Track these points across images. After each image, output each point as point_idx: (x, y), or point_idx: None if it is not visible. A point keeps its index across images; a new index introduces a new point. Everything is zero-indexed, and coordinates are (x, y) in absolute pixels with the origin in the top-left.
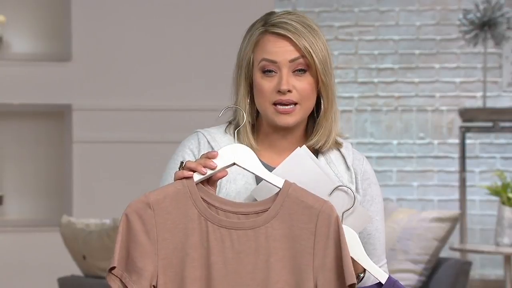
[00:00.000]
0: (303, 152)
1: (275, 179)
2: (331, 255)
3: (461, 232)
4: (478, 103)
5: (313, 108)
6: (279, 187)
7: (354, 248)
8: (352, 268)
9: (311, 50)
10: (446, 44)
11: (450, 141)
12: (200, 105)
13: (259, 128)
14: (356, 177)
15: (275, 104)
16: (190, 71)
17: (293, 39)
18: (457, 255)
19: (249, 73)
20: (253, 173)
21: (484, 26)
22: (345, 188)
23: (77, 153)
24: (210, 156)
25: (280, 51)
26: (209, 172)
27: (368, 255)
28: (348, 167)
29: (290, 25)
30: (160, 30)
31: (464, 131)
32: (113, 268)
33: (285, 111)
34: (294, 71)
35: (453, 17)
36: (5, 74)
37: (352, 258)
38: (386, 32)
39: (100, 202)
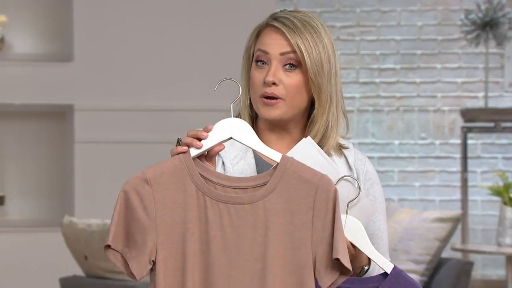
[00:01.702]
0: (308, 142)
1: (273, 154)
2: (329, 229)
3: (462, 233)
4: (480, 103)
5: (308, 112)
6: (277, 161)
7: (360, 239)
8: (342, 244)
9: (302, 48)
10: (448, 44)
11: (452, 141)
12: (202, 105)
13: (258, 126)
14: (358, 177)
15: (262, 97)
16: (192, 71)
17: (286, 34)
18: (458, 255)
19: (250, 63)
20: (250, 147)
21: (486, 26)
22: (350, 179)
23: (79, 153)
24: (205, 129)
25: (273, 43)
26: (205, 146)
27: None
28: (350, 167)
29: (290, 21)
30: (161, 30)
31: (466, 131)
32: (108, 246)
33: (269, 103)
34: (284, 65)
35: (455, 17)
36: (7, 74)
37: (357, 248)
38: (388, 32)
39: (102, 202)
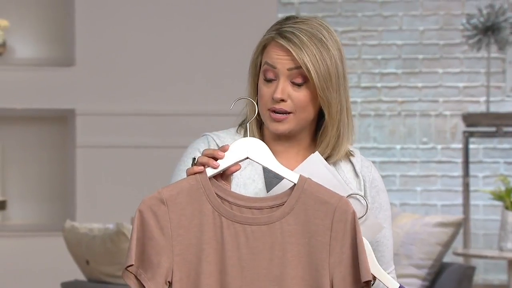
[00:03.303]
0: (316, 158)
1: (290, 174)
2: (347, 251)
3: (464, 237)
4: (482, 108)
5: (316, 120)
6: (294, 182)
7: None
8: (368, 265)
9: (309, 65)
10: (450, 49)
11: (454, 146)
12: (204, 109)
13: (265, 133)
14: (364, 185)
15: (270, 110)
16: (194, 76)
17: (292, 51)
18: (460, 260)
19: (257, 72)
20: (267, 167)
21: (488, 31)
22: (358, 196)
23: (81, 158)
24: (221, 149)
25: (280, 59)
26: (221, 166)
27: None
28: (357, 174)
29: (297, 36)
30: (163, 35)
31: (468, 136)
32: (130, 265)
33: (277, 118)
34: (292, 80)
35: (457, 22)
36: (8, 79)
37: None
38: (390, 37)
39: (104, 206)
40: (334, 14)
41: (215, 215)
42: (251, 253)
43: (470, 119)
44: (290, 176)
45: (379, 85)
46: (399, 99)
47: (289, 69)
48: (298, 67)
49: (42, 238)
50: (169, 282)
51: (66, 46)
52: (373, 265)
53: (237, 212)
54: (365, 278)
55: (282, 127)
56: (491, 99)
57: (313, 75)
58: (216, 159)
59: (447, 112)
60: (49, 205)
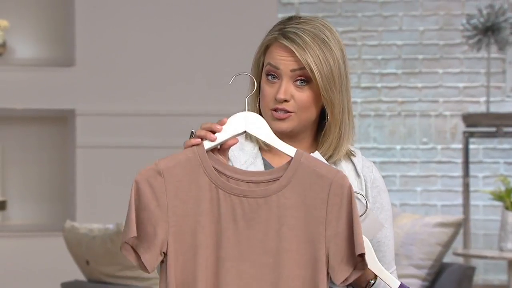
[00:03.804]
0: (316, 157)
1: (287, 148)
2: (343, 225)
3: (464, 237)
4: (482, 108)
5: (318, 120)
6: (291, 156)
7: (367, 256)
8: (362, 239)
9: (312, 66)
10: (450, 49)
11: (454, 146)
12: (203, 110)
13: None
14: (366, 185)
15: (272, 110)
16: (193, 76)
17: (295, 52)
18: (460, 260)
19: (259, 73)
20: (264, 141)
21: (488, 31)
22: (358, 195)
23: (81, 158)
24: (219, 122)
25: (283, 60)
26: (219, 139)
27: None
28: (358, 174)
29: (300, 37)
30: (163, 35)
31: (468, 136)
32: (130, 238)
33: (279, 117)
34: (295, 81)
35: (457, 22)
36: (8, 79)
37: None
38: (390, 37)
39: (104, 207)
40: (334, 14)
41: (212, 187)
42: (247, 226)
43: (470, 119)
44: (287, 150)
45: (379, 85)
46: (399, 99)
47: (292, 70)
48: (302, 68)
49: (42, 238)
50: (164, 253)
51: (66, 46)
52: (374, 264)
53: (234, 185)
54: (358, 251)
55: (284, 126)
56: (491, 99)
57: (316, 75)
58: (214, 132)
59: (447, 112)
60: (49, 205)
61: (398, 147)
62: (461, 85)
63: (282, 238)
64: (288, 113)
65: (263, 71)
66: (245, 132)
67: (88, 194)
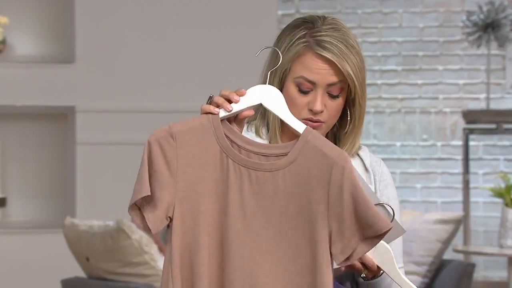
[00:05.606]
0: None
1: (297, 124)
2: (345, 205)
3: (464, 234)
4: (482, 105)
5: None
6: (299, 132)
7: (386, 262)
8: (380, 215)
9: (353, 76)
10: (450, 46)
11: (454, 143)
12: None
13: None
14: (374, 178)
15: (306, 119)
16: (193, 73)
17: (337, 63)
18: (460, 257)
19: (283, 78)
20: (277, 115)
21: (488, 27)
22: (385, 205)
23: (81, 155)
24: (238, 93)
25: (322, 74)
26: (235, 109)
27: None
28: (366, 169)
29: (335, 46)
30: (163, 32)
31: (468, 133)
32: (139, 199)
33: (313, 126)
34: (330, 92)
35: (457, 19)
36: (8, 76)
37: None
38: (389, 34)
39: (104, 203)
40: (334, 11)
41: (223, 156)
42: (253, 198)
43: (470, 116)
44: (297, 126)
45: (379, 82)
46: (399, 96)
47: (329, 84)
48: (340, 80)
49: (42, 235)
50: (169, 217)
51: (66, 43)
52: (392, 269)
53: (244, 156)
54: (383, 229)
55: None
56: (491, 96)
57: (356, 85)
58: (230, 102)
59: (447, 109)
60: (49, 202)
61: (398, 143)
62: (461, 81)
63: (287, 214)
64: (320, 123)
65: (294, 81)
66: (261, 104)
67: (88, 191)
